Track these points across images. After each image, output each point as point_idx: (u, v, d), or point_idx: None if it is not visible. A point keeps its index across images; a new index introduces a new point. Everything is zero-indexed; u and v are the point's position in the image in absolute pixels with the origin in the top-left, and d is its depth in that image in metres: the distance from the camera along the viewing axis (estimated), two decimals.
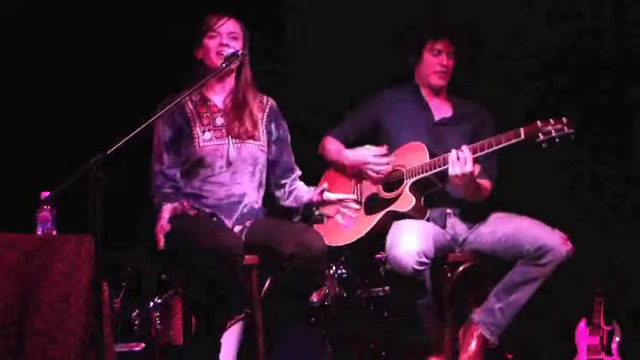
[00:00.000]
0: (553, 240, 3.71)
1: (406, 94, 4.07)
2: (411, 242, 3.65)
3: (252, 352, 3.60)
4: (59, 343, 3.09)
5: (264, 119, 3.80)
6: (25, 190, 3.47)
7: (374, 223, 3.90)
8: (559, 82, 4.57)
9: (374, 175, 3.96)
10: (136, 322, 4.18)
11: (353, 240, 3.92)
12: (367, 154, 3.98)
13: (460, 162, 3.69)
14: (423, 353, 3.85)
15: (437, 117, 4.03)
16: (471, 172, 3.69)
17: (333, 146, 4.10)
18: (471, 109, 4.06)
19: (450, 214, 3.93)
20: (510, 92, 4.48)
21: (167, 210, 3.54)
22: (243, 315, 3.68)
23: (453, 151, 3.71)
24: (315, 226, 3.77)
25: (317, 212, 3.69)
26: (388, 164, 3.94)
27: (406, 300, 3.74)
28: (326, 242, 3.59)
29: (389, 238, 3.74)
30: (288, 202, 3.81)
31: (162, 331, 4.07)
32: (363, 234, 3.91)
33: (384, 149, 3.97)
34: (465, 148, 3.70)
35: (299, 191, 3.81)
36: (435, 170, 3.81)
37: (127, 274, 4.25)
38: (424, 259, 3.65)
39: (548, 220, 3.87)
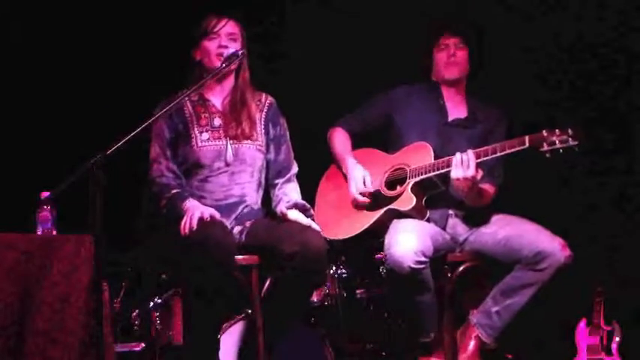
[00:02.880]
0: (552, 246, 3.72)
1: (422, 92, 4.08)
2: (408, 241, 3.66)
3: (252, 352, 3.60)
4: (59, 343, 3.09)
5: (263, 119, 3.80)
6: (25, 190, 3.47)
7: (374, 219, 3.91)
8: (559, 82, 4.57)
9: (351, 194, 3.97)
10: (136, 322, 4.18)
11: (352, 234, 3.93)
12: (355, 184, 3.96)
13: (463, 165, 3.70)
14: (424, 353, 3.86)
15: (451, 117, 4.03)
16: (473, 177, 3.70)
17: (339, 144, 4.10)
18: (486, 111, 4.05)
19: (451, 215, 3.94)
20: (511, 93, 4.47)
21: (197, 208, 3.52)
22: (243, 315, 3.68)
23: (458, 154, 3.72)
24: (315, 220, 3.80)
25: None
26: (366, 202, 3.95)
27: (406, 299, 3.75)
28: (325, 235, 3.64)
29: (387, 237, 3.75)
30: (277, 209, 3.80)
31: (162, 331, 4.07)
32: (362, 229, 3.92)
33: (370, 187, 3.95)
34: (469, 152, 3.71)
35: (283, 197, 3.79)
36: (438, 172, 3.81)
37: (127, 274, 4.24)
38: (422, 258, 3.66)
39: (547, 219, 3.88)
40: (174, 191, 3.61)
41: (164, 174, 3.67)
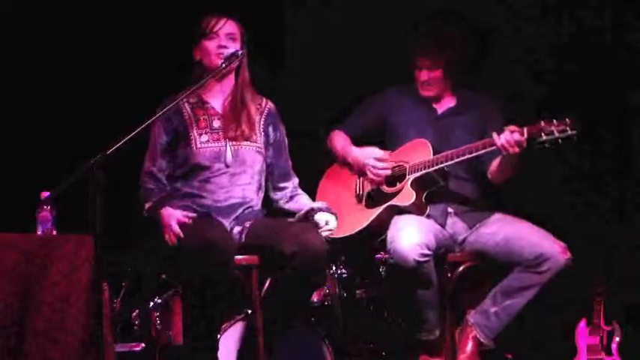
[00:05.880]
0: (552, 249, 3.73)
1: (411, 93, 4.08)
2: (412, 235, 3.68)
3: (252, 352, 3.60)
4: (59, 343, 3.09)
5: (262, 121, 3.81)
6: (25, 190, 3.47)
7: (374, 216, 3.92)
8: (559, 82, 4.58)
9: (372, 176, 3.98)
10: (136, 322, 4.18)
11: (352, 232, 3.94)
12: (369, 155, 3.99)
13: (512, 146, 3.64)
14: (427, 352, 3.87)
15: (440, 110, 4.05)
16: (518, 141, 3.63)
17: (339, 140, 4.11)
18: (476, 98, 4.05)
19: (450, 213, 3.94)
20: (511, 93, 4.48)
21: (171, 216, 3.54)
22: (243, 315, 3.68)
23: (502, 137, 3.64)
24: None
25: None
26: (387, 169, 3.95)
27: (409, 294, 3.76)
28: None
29: (390, 233, 3.76)
30: (288, 206, 3.81)
31: (162, 331, 4.07)
32: (362, 226, 3.93)
33: (386, 154, 3.98)
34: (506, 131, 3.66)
35: (301, 198, 3.81)
36: (437, 167, 3.82)
37: (127, 274, 4.25)
38: (426, 251, 3.68)
39: (547, 219, 3.88)
40: (154, 199, 3.63)
41: (150, 179, 3.68)
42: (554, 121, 3.61)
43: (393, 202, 3.90)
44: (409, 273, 3.67)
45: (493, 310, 3.81)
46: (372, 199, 3.98)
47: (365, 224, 3.93)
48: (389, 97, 4.11)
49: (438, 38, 3.96)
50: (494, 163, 3.85)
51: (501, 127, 3.70)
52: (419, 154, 3.89)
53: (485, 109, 4.00)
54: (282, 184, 3.83)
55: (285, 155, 3.85)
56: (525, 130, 3.65)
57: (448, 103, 4.06)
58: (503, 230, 3.85)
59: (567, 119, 3.60)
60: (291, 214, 3.78)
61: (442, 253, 3.88)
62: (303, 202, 3.80)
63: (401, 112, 4.05)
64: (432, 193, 3.90)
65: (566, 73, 4.56)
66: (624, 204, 4.52)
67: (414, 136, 3.97)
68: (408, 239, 3.67)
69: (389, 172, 3.96)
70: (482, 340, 3.83)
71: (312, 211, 3.70)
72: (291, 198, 3.82)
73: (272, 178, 3.83)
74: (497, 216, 3.94)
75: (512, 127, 3.66)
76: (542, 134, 3.61)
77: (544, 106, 4.47)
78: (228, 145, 3.71)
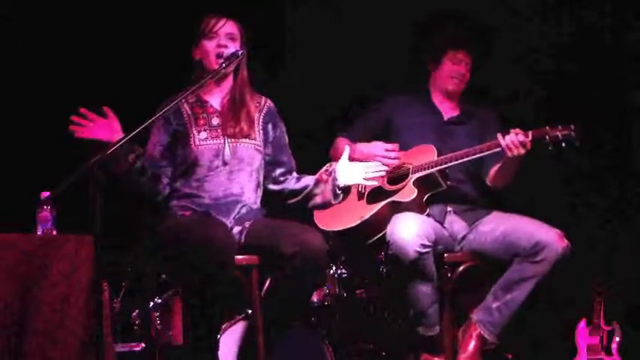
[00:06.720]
0: (549, 237, 3.74)
1: (417, 98, 4.15)
2: (411, 227, 3.71)
3: (252, 352, 3.61)
4: (59, 343, 3.09)
5: (261, 119, 3.81)
6: (25, 190, 3.47)
7: (374, 210, 3.93)
8: (559, 82, 4.58)
9: (383, 161, 3.97)
10: (136, 322, 4.18)
11: (352, 225, 3.95)
12: (378, 148, 4.02)
13: (517, 148, 3.70)
14: (427, 350, 3.87)
15: (446, 117, 4.11)
16: (522, 142, 3.69)
17: (343, 145, 4.12)
18: (477, 110, 4.13)
19: (449, 211, 3.96)
20: (510, 93, 4.48)
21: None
22: (243, 315, 3.68)
23: (507, 138, 3.71)
24: (315, 214, 3.92)
25: (338, 191, 3.70)
26: (397, 158, 3.99)
27: (410, 287, 3.76)
28: (325, 227, 3.72)
29: (389, 227, 3.78)
30: (298, 185, 3.80)
31: (162, 331, 4.07)
32: (363, 219, 3.94)
33: (395, 146, 4.02)
34: (512, 133, 3.71)
35: (307, 177, 3.82)
36: (441, 167, 3.86)
37: (127, 274, 4.25)
38: (426, 242, 3.71)
39: (547, 219, 3.89)
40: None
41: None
42: (559, 126, 3.66)
43: (395, 198, 3.92)
44: (409, 265, 3.69)
45: (495, 305, 3.82)
46: (374, 196, 3.99)
47: (365, 217, 3.94)
48: (394, 101, 4.17)
49: (477, 35, 4.05)
50: (493, 170, 3.90)
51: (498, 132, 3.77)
52: (424, 157, 3.93)
53: (484, 120, 4.08)
54: (284, 177, 3.83)
55: (287, 152, 3.85)
56: (530, 133, 3.69)
57: (453, 111, 4.12)
58: (501, 226, 3.88)
59: (572, 125, 3.65)
60: (293, 194, 3.80)
61: (441, 252, 3.89)
62: (310, 178, 3.80)
63: (405, 115, 4.10)
64: (433, 195, 3.91)
65: (566, 73, 4.57)
66: (624, 204, 4.53)
67: (416, 138, 4.02)
68: (408, 231, 3.70)
69: (397, 162, 3.97)
70: (486, 336, 3.83)
71: (329, 167, 3.70)
72: (298, 179, 3.82)
73: (274, 174, 3.82)
74: (494, 214, 3.97)
75: (517, 130, 3.70)
76: (547, 138, 3.66)
77: (544, 106, 4.49)
78: (226, 142, 3.71)
